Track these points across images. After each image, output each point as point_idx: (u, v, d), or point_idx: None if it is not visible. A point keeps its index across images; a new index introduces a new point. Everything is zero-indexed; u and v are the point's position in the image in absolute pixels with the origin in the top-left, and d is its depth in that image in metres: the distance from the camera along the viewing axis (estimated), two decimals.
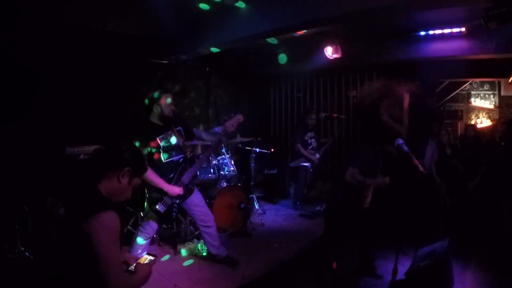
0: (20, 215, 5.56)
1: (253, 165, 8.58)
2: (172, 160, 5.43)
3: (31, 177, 5.88)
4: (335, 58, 8.68)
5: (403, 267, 5.23)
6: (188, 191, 5.53)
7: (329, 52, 8.56)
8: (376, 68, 9.79)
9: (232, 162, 7.86)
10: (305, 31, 7.65)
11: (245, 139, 8.54)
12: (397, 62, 8.87)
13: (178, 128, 5.60)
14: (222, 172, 7.64)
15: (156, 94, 5.37)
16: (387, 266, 5.90)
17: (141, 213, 6.69)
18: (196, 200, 5.70)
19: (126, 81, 8.07)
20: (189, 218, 6.70)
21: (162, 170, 5.29)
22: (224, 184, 7.47)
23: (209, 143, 6.17)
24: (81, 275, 2.32)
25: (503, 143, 7.12)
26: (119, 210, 2.49)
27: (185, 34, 7.99)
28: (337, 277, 4.88)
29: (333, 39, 8.45)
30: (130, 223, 6.91)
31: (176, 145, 5.48)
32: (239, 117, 5.73)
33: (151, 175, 5.08)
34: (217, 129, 5.92)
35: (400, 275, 4.99)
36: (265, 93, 12.01)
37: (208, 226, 5.77)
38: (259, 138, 9.18)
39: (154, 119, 5.39)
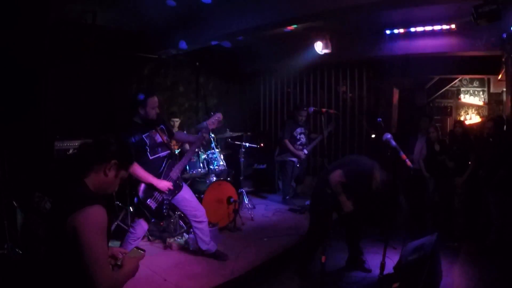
0: (9, 210, 5.53)
1: (242, 159, 8.59)
2: (159, 156, 5.45)
3: (20, 172, 5.85)
4: (325, 54, 8.69)
5: (392, 261, 5.29)
6: (177, 187, 5.55)
7: (319, 47, 8.57)
8: (366, 63, 9.82)
9: (222, 157, 7.84)
10: (294, 26, 7.66)
11: (235, 134, 8.55)
12: (387, 58, 8.90)
13: (161, 127, 5.65)
14: (211, 167, 7.63)
15: (141, 97, 5.36)
16: (376, 260, 5.92)
17: (131, 208, 6.68)
18: (186, 195, 5.73)
19: (116, 75, 8.04)
20: (179, 213, 6.70)
21: (150, 166, 5.29)
22: (213, 179, 7.47)
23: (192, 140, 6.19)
24: (68, 270, 2.31)
25: (491, 139, 7.16)
26: (108, 205, 2.47)
27: (175, 28, 7.98)
28: (326, 271, 4.89)
29: (323, 35, 8.46)
30: (120, 218, 6.90)
31: (160, 142, 5.52)
32: (219, 116, 5.87)
33: (139, 171, 5.10)
34: (206, 123, 5.97)
35: (389, 269, 5.04)
36: (255, 88, 12.01)
37: (200, 221, 5.78)
38: (248, 133, 9.19)
39: (138, 119, 5.39)
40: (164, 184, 5.31)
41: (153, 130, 5.47)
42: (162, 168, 5.42)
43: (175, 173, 5.50)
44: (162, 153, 5.49)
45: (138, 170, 5.07)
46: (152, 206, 5.31)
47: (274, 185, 10.49)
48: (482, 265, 6.12)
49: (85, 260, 2.25)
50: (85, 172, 2.49)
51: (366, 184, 5.41)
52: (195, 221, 5.77)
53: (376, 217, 6.67)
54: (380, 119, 5.37)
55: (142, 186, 5.28)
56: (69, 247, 2.24)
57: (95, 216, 2.29)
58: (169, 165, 5.50)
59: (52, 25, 6.70)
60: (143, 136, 5.33)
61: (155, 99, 5.43)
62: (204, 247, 5.89)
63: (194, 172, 7.45)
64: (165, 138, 5.60)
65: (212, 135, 7.96)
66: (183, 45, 7.94)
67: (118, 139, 2.70)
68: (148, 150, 5.35)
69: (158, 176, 5.36)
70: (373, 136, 9.32)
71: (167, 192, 5.41)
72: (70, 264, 2.28)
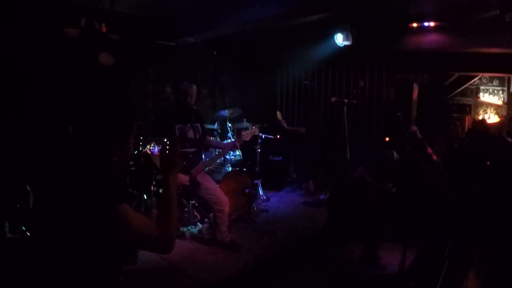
0: (22, 194, 5.52)
1: (258, 151, 8.54)
2: (185, 151, 5.41)
3: (34, 156, 5.83)
4: (345, 46, 8.58)
5: (408, 259, 5.20)
6: (194, 184, 5.51)
7: (339, 39, 8.46)
8: (386, 57, 9.70)
9: None
10: (316, 16, 7.56)
11: (251, 125, 8.50)
12: (407, 52, 8.79)
13: (196, 124, 5.66)
14: (227, 157, 7.61)
15: (179, 83, 5.47)
16: (390, 257, 5.86)
17: (144, 196, 6.65)
18: (208, 184, 5.75)
19: (133, 62, 8.01)
20: (193, 202, 6.66)
21: None
22: (229, 169, 7.43)
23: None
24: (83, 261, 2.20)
25: (509, 139, 7.06)
26: (122, 193, 2.35)
27: (195, 16, 7.91)
28: (341, 266, 4.84)
29: (344, 26, 8.35)
30: (133, 206, 6.86)
31: (191, 138, 5.54)
32: (255, 130, 5.88)
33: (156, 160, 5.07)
34: (224, 112, 5.93)
35: (405, 267, 4.97)
36: (273, 79, 11.94)
37: (221, 210, 5.78)
38: (265, 124, 9.13)
39: (174, 105, 5.43)
40: (180, 178, 5.31)
41: (188, 124, 5.47)
42: (186, 162, 5.39)
43: (196, 170, 5.48)
44: (189, 149, 5.48)
45: (154, 158, 5.05)
46: None
47: (289, 177, 10.45)
48: (498, 267, 6.02)
49: (137, 241, 2.18)
50: (95, 165, 2.30)
51: (388, 172, 5.35)
52: (217, 209, 5.77)
53: (394, 213, 6.59)
54: (400, 113, 5.29)
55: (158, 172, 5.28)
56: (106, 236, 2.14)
57: (125, 213, 2.17)
58: (193, 162, 5.48)
59: (70, 11, 6.67)
60: (176, 126, 5.33)
61: (185, 84, 5.49)
62: (219, 236, 5.88)
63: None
64: (197, 135, 5.63)
65: (229, 125, 7.94)
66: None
67: (105, 119, 2.39)
68: None
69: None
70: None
71: (180, 187, 5.40)
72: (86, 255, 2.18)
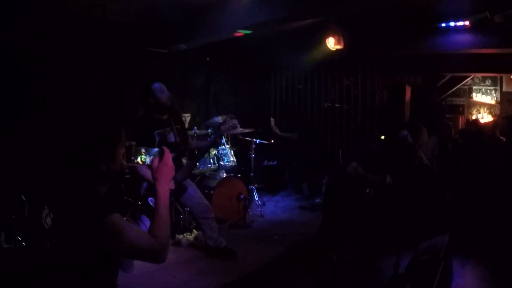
0: (17, 204, 5.50)
1: (253, 156, 8.55)
2: None
3: (28, 166, 5.82)
4: (337, 50, 8.60)
5: (403, 261, 5.22)
6: (181, 189, 5.46)
7: (331, 43, 8.47)
8: (378, 60, 9.72)
9: (232, 153, 7.81)
10: (307, 21, 7.58)
11: (245, 130, 8.50)
12: (399, 55, 8.81)
13: (177, 126, 5.62)
14: (221, 163, 7.59)
15: (150, 86, 5.47)
16: (386, 260, 5.87)
17: (139, 203, 6.64)
18: (192, 191, 5.66)
19: (125, 70, 8.00)
20: (188, 209, 6.66)
21: None
22: (223, 175, 7.43)
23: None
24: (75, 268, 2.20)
25: (503, 138, 7.08)
26: (117, 200, 2.35)
27: (186, 23, 7.92)
28: (337, 269, 4.84)
29: (335, 30, 8.37)
30: (129, 214, 6.85)
31: (171, 142, 5.47)
32: (234, 123, 5.72)
33: (143, 170, 5.03)
34: (217, 119, 5.87)
35: (401, 269, 4.98)
36: (266, 84, 11.97)
37: (206, 218, 5.73)
38: (259, 129, 9.13)
39: (154, 112, 5.37)
40: None
41: (168, 128, 5.42)
42: None
43: (180, 175, 5.42)
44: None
45: (141, 168, 5.02)
46: (152, 204, 5.26)
47: (284, 182, 10.45)
48: (493, 266, 6.03)
49: (129, 250, 2.16)
50: (84, 175, 2.29)
51: (381, 168, 5.35)
52: (202, 217, 5.73)
53: (390, 216, 6.59)
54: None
55: (145, 183, 5.23)
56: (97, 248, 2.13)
57: (116, 223, 2.15)
58: (176, 166, 5.45)
59: (61, 19, 6.67)
60: (155, 132, 5.28)
61: (160, 83, 5.52)
62: (212, 243, 5.83)
63: (204, 168, 7.40)
64: (178, 138, 5.56)
65: None
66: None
67: (90, 131, 2.36)
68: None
69: None
70: (382, 137, 9.22)
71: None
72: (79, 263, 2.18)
